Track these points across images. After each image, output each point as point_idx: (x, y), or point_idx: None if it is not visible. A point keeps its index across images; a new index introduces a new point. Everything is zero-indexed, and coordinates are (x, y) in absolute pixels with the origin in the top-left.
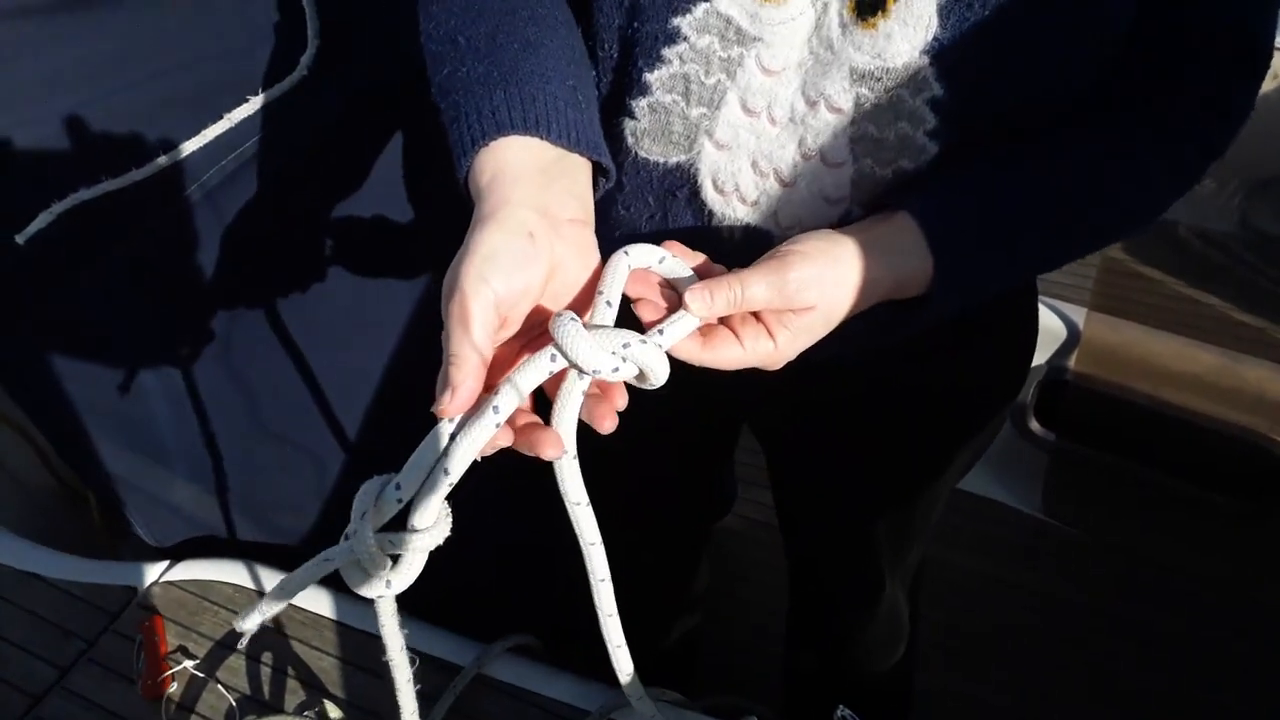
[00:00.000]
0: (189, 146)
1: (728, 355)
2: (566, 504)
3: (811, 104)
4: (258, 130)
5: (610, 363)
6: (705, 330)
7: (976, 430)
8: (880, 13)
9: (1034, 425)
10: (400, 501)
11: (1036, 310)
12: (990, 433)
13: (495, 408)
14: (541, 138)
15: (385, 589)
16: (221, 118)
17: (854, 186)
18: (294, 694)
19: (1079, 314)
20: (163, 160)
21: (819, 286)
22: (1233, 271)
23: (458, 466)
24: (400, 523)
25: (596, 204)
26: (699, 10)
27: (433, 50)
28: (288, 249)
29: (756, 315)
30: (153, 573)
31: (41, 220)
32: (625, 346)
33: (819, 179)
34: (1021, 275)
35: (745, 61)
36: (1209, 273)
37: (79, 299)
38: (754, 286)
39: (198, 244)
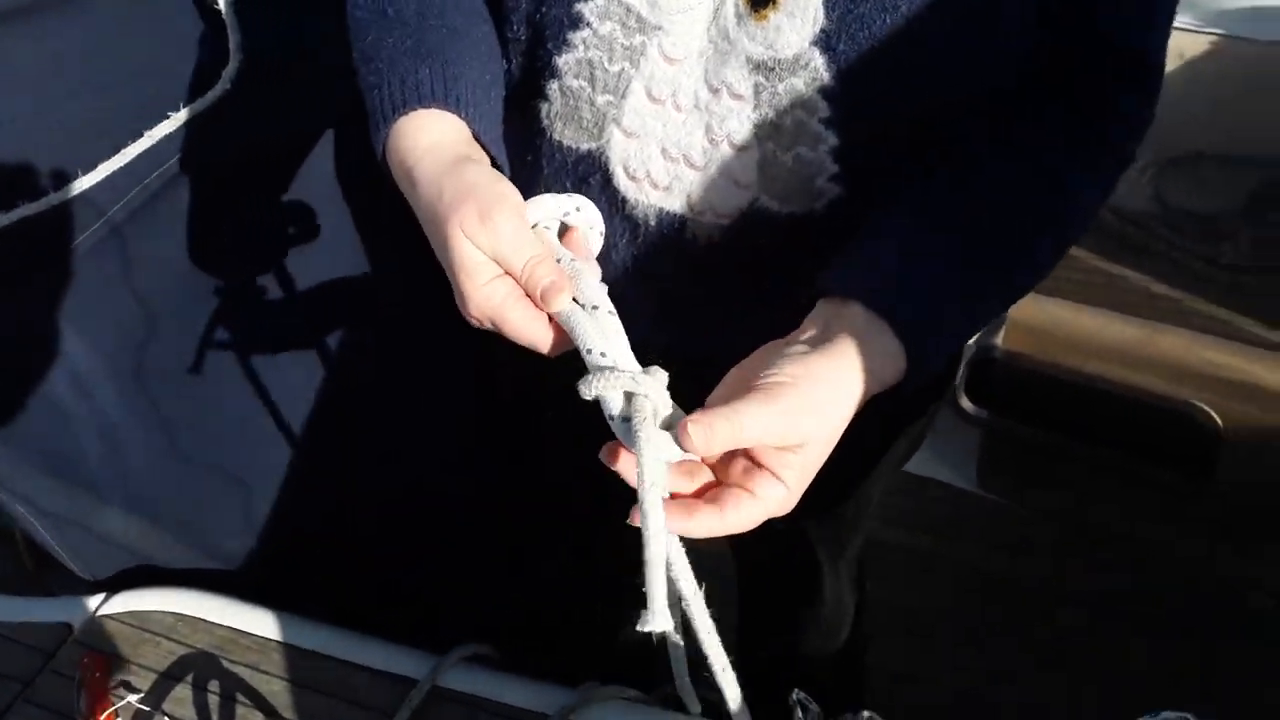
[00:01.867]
0: (107, 168)
1: (749, 513)
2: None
3: (714, 91)
4: (179, 149)
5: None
6: (714, 494)
7: (909, 423)
8: (770, 5)
9: (965, 403)
10: (604, 355)
11: None
12: (922, 426)
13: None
14: (459, 116)
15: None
16: (142, 135)
17: (760, 171)
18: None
19: None
20: (82, 181)
21: (814, 413)
22: (1149, 246)
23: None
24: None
25: (518, 187)
26: None
27: (359, 17)
28: (212, 271)
29: (754, 461)
30: (88, 607)
31: None
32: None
33: (727, 164)
34: (983, 322)
35: (648, 50)
36: (1127, 248)
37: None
38: (751, 416)
39: (120, 268)
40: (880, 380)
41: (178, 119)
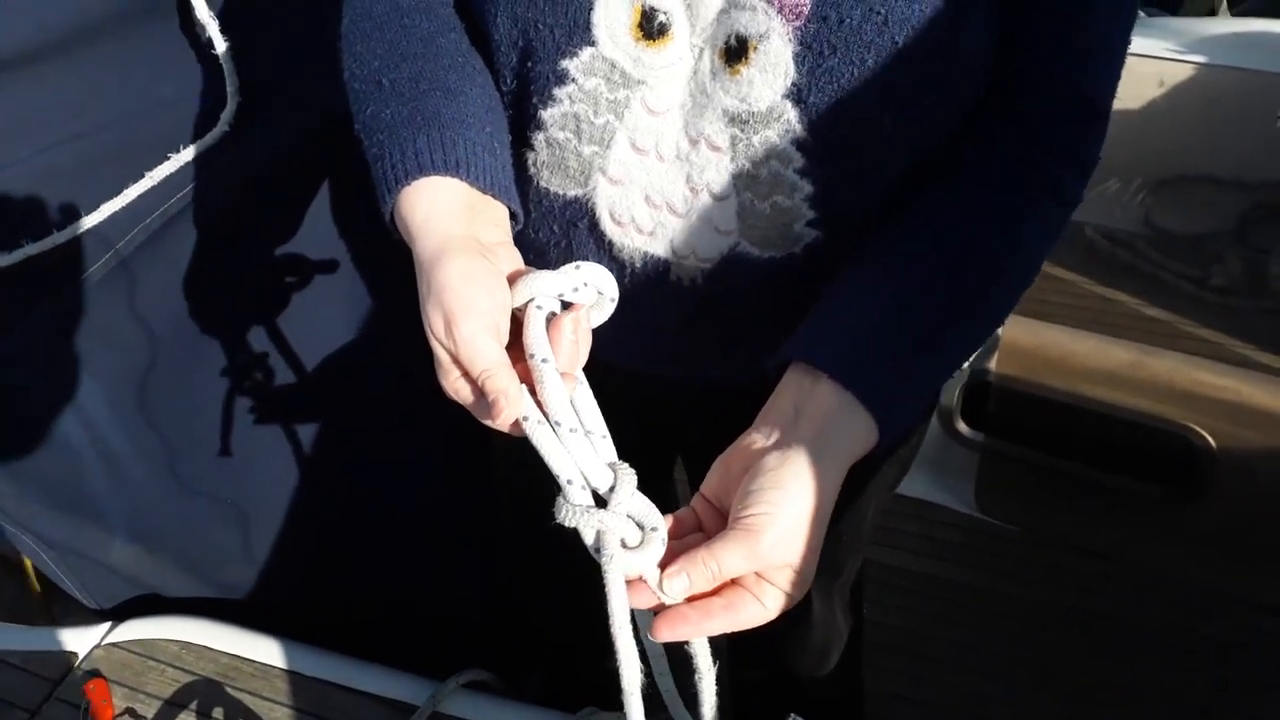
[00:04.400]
0: (110, 207)
1: (731, 623)
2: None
3: (694, 143)
4: (181, 187)
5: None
6: (703, 604)
7: (899, 446)
8: (743, 60)
9: (961, 426)
10: (570, 483)
11: None
12: (912, 447)
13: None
14: (460, 179)
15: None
16: (143, 176)
17: (739, 219)
18: None
19: None
20: (85, 221)
21: (793, 539)
22: (1139, 269)
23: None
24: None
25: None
26: (585, 54)
27: (357, 89)
28: (214, 304)
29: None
30: (94, 636)
31: None
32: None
33: (707, 211)
34: (947, 375)
35: (632, 103)
36: (1117, 271)
37: (2, 361)
38: (729, 558)
39: (124, 302)
40: (854, 456)
41: (178, 159)
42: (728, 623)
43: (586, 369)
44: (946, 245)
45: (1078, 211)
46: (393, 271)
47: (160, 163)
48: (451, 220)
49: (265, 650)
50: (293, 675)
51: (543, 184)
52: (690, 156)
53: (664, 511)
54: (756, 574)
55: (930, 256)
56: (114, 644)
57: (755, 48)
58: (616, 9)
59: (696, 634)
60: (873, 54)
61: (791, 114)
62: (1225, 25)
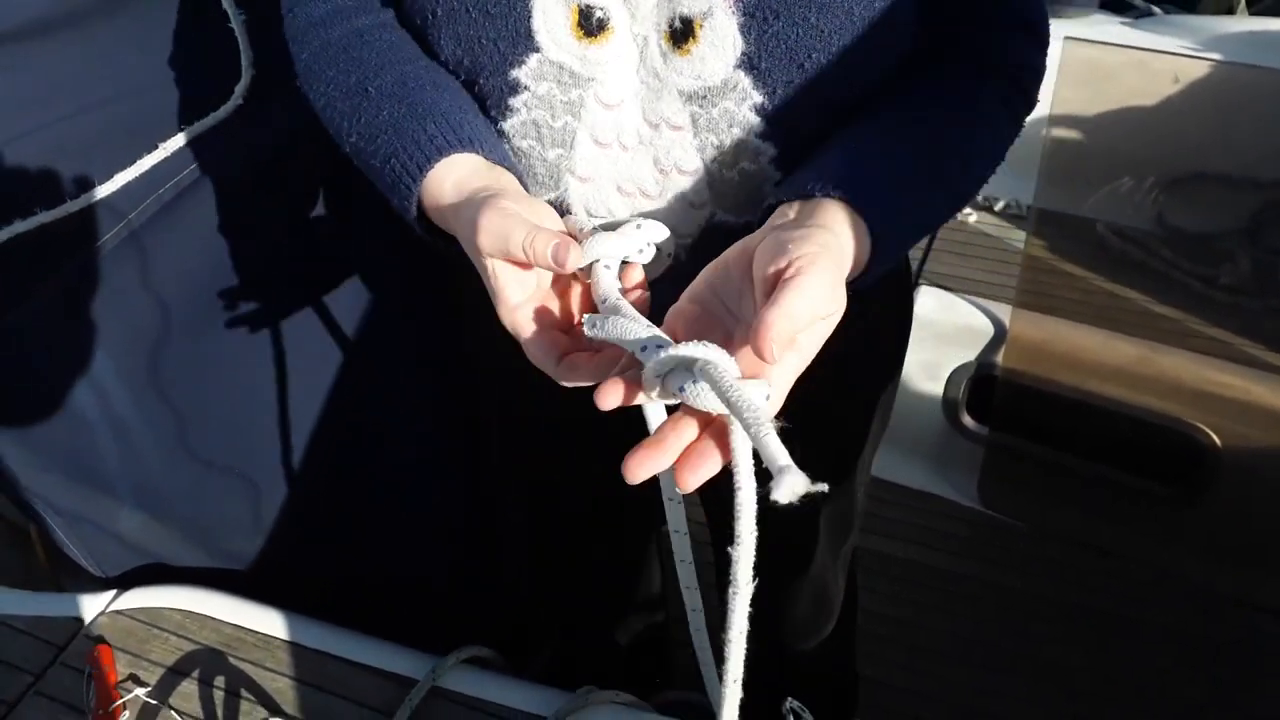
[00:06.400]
0: (123, 178)
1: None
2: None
3: (654, 126)
4: (194, 160)
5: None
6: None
7: (879, 392)
8: (691, 39)
9: (966, 420)
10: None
11: (910, 275)
12: (891, 395)
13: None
14: (476, 154)
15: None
16: (156, 148)
17: (711, 190)
18: (248, 715)
19: (1005, 311)
20: (98, 191)
21: (838, 287)
22: (1149, 266)
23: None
24: None
25: None
26: (532, 61)
27: (340, 107)
28: (224, 277)
29: None
30: (99, 603)
31: None
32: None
33: (679, 189)
34: (925, 233)
35: (586, 101)
36: (1127, 268)
37: (14, 332)
38: (798, 302)
39: (135, 273)
40: (854, 260)
41: (192, 131)
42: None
43: None
44: (927, 119)
45: (1089, 208)
46: (404, 246)
47: (174, 134)
48: (479, 179)
49: (268, 622)
50: (295, 647)
51: None
52: (654, 140)
53: None
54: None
55: (912, 124)
56: (119, 611)
57: (701, 25)
58: (554, 12)
59: (715, 465)
60: (814, 10)
61: (746, 82)
62: (1243, 24)
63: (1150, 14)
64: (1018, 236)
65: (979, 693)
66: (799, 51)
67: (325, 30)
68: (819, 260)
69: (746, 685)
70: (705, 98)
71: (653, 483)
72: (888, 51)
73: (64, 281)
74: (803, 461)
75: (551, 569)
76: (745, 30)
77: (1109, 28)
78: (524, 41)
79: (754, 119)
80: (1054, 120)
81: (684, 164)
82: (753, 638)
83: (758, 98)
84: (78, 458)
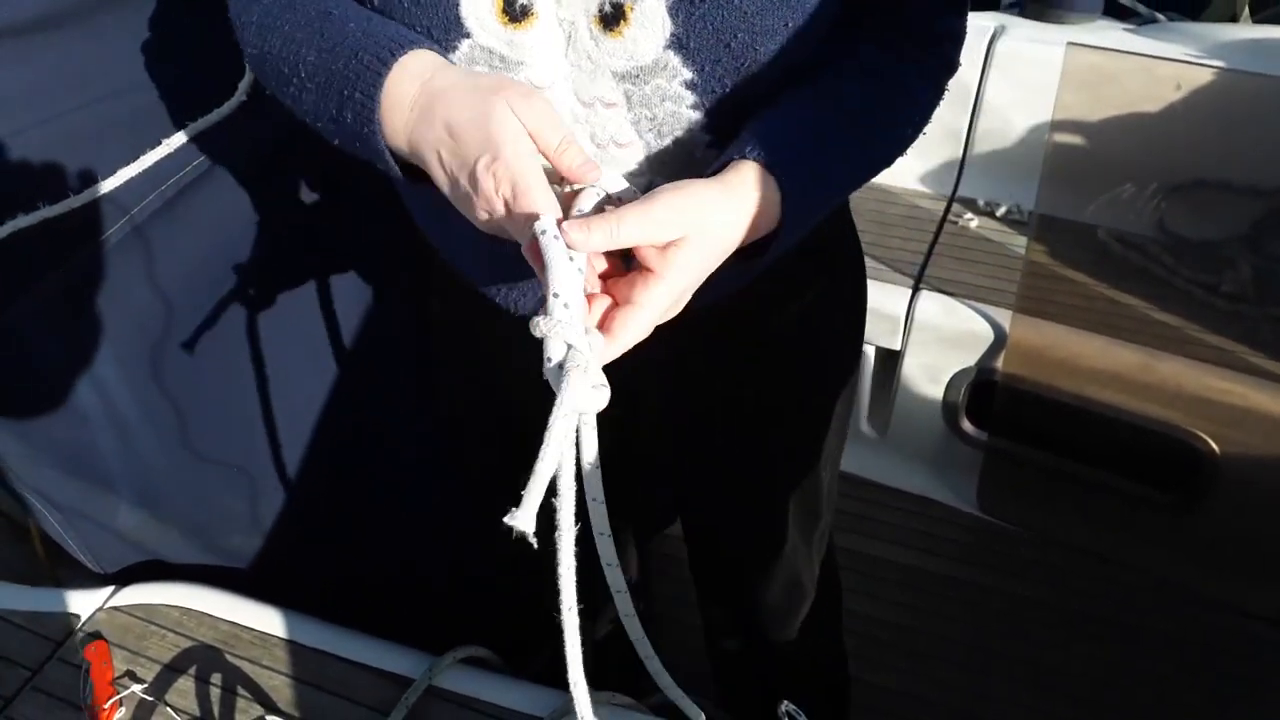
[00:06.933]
0: (127, 173)
1: (637, 322)
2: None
3: (588, 105)
4: (197, 156)
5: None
6: (604, 321)
7: (836, 370)
8: (622, 22)
9: (966, 425)
10: (567, 306)
11: (861, 254)
12: (850, 375)
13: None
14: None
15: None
16: (159, 143)
17: (648, 161)
18: (244, 713)
19: (1004, 317)
20: (102, 186)
21: (684, 214)
22: (1150, 273)
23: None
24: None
25: (431, 209)
26: (464, 45)
27: (300, 38)
28: (226, 272)
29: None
30: (97, 599)
31: None
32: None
33: (617, 159)
34: (844, 194)
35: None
36: (1128, 274)
37: (16, 327)
38: (626, 220)
39: (138, 268)
40: (760, 216)
41: (195, 127)
42: (642, 316)
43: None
44: (848, 86)
45: (1091, 214)
46: (404, 244)
47: (177, 130)
48: (472, 73)
49: (265, 619)
50: (291, 645)
51: None
52: (589, 118)
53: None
54: (655, 251)
55: (834, 91)
56: (116, 608)
57: (631, 9)
58: None
59: (614, 348)
60: None
61: (675, 60)
62: (1247, 31)
63: (1154, 21)
64: (1019, 241)
65: (977, 697)
66: (725, 31)
67: None
68: (666, 196)
69: (740, 685)
70: (637, 76)
71: (637, 491)
72: (811, 26)
73: (67, 276)
74: (765, 446)
75: (545, 568)
76: (673, 12)
77: (1112, 34)
78: (454, 28)
79: (685, 93)
80: (1056, 125)
81: (620, 138)
82: (732, 625)
83: (688, 74)
84: (77, 453)
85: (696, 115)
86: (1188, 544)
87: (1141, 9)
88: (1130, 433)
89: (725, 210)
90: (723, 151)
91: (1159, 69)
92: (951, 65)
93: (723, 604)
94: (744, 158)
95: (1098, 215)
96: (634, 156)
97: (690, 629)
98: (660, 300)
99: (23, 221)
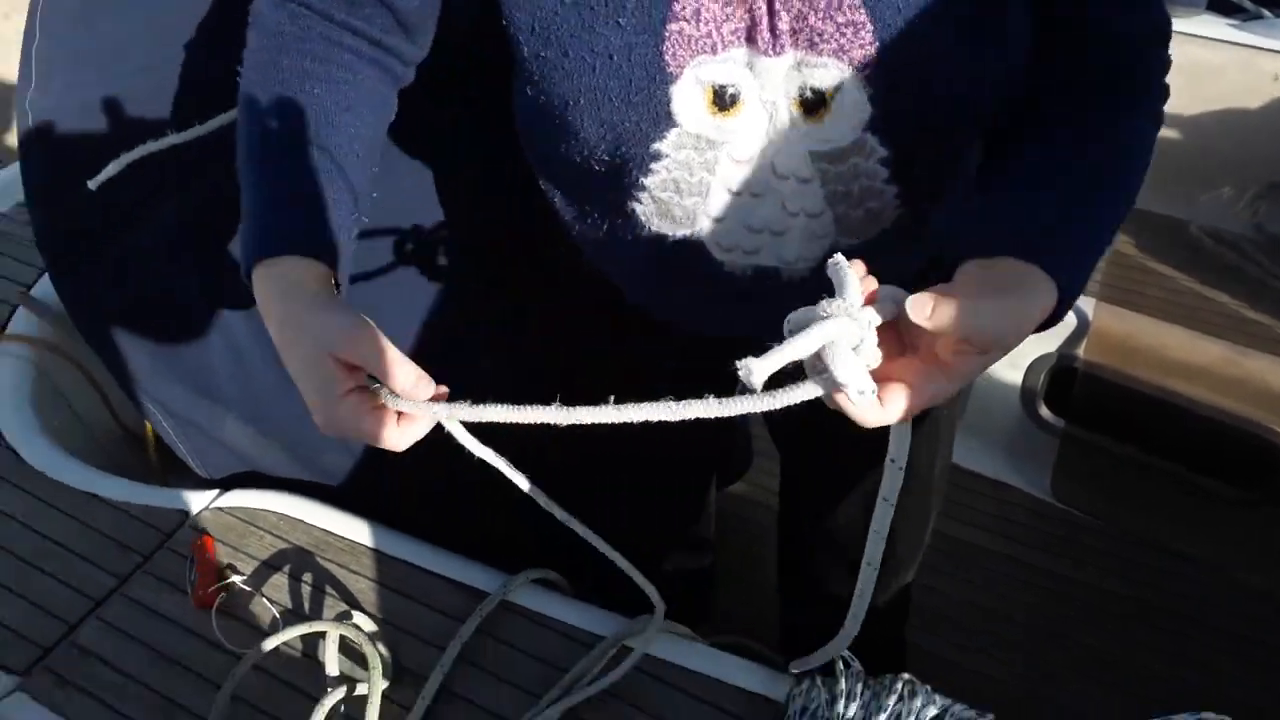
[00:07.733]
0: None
1: (908, 401)
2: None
3: (783, 178)
4: None
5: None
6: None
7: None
8: (823, 109)
9: (1044, 411)
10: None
11: None
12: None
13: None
14: (320, 263)
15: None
16: None
17: (836, 224)
18: (330, 609)
19: (1088, 304)
20: (223, 117)
21: (1014, 318)
22: (1243, 271)
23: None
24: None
25: (613, 264)
26: (672, 135)
27: (255, 110)
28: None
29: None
30: (205, 499)
31: (112, 168)
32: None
33: (806, 226)
34: (1105, 247)
35: (720, 159)
36: (1219, 271)
37: (144, 248)
38: (974, 307)
39: None
40: (1043, 309)
41: None
42: (922, 392)
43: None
44: (1073, 142)
45: (1183, 209)
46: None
47: None
48: (312, 286)
49: (354, 529)
50: (376, 553)
51: (653, 228)
52: (781, 189)
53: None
54: (956, 348)
55: (1062, 151)
56: (220, 508)
57: (832, 97)
58: (690, 95)
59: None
60: (938, 81)
61: (873, 141)
62: None
63: (1260, 17)
64: None
65: (1031, 679)
66: (925, 116)
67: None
68: (1009, 292)
69: (803, 633)
70: (834, 156)
71: (716, 437)
72: (1001, 90)
73: (192, 200)
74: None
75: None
76: (874, 100)
77: (1215, 27)
78: (665, 121)
79: (880, 169)
80: None
81: (811, 208)
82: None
83: (884, 152)
84: (194, 369)
85: (889, 187)
86: (1262, 542)
87: (1248, 4)
88: (1210, 427)
89: (1023, 326)
90: (908, 208)
91: (1259, 62)
92: (1165, 93)
93: (804, 568)
94: (1023, 259)
95: (1190, 210)
96: (824, 223)
97: (757, 583)
98: (937, 397)
99: (152, 146)
